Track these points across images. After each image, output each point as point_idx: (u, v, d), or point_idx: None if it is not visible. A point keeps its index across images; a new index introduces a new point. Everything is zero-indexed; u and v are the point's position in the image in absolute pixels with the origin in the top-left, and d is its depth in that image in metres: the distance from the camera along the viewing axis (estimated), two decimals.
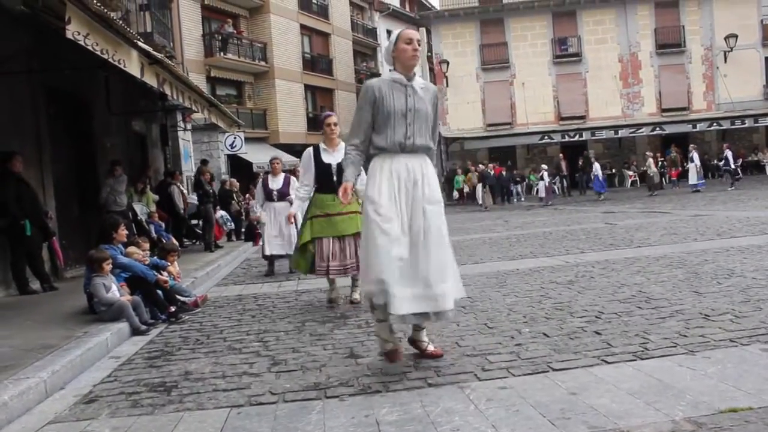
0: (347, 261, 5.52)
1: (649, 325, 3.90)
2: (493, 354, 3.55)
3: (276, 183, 8.30)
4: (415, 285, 3.32)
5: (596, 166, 23.18)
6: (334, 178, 5.51)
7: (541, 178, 23.49)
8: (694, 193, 20.38)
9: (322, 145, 5.71)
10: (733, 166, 21.42)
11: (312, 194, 5.75)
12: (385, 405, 2.88)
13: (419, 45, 3.56)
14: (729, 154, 21.53)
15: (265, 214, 8.27)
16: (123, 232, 5.89)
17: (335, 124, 5.65)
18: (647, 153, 24.39)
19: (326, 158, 5.62)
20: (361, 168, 3.67)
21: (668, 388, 2.77)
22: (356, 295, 5.66)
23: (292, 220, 6.57)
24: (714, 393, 2.66)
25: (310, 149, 5.75)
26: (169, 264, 6.37)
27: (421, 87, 3.59)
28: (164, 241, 9.76)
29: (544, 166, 24.63)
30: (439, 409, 2.76)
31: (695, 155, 21.63)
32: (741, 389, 2.67)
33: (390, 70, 3.63)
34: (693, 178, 21.37)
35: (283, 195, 8.19)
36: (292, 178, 8.60)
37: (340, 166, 5.51)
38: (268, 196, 8.27)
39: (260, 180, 8.62)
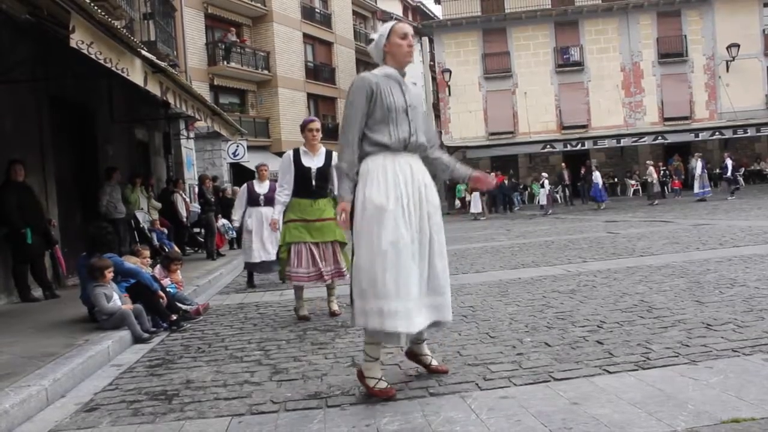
0: (324, 267, 5.41)
1: (651, 334, 3.89)
2: (494, 363, 3.54)
3: (263, 188, 8.14)
4: (425, 295, 3.18)
5: (596, 175, 23.14)
6: (313, 183, 5.46)
7: (542, 186, 23.47)
8: (698, 202, 20.31)
9: (302, 149, 5.59)
10: (730, 175, 21.29)
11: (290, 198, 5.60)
12: (387, 414, 2.87)
13: (414, 40, 3.37)
14: (729, 162, 21.47)
15: (249, 220, 8.04)
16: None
17: (317, 130, 5.54)
18: (648, 162, 24.36)
19: (306, 161, 5.50)
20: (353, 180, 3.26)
21: (670, 398, 2.76)
22: (335, 306, 5.54)
23: (276, 226, 6.25)
24: (716, 403, 2.65)
25: (290, 152, 5.63)
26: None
27: (412, 83, 3.45)
28: (166, 249, 9.76)
29: (545, 175, 24.63)
30: (440, 418, 2.76)
31: (699, 164, 21.56)
32: (743, 399, 2.67)
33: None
34: (697, 186, 21.29)
35: (270, 200, 8.08)
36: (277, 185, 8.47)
37: (319, 171, 5.46)
38: (255, 201, 8.04)
39: (244, 186, 8.44)
